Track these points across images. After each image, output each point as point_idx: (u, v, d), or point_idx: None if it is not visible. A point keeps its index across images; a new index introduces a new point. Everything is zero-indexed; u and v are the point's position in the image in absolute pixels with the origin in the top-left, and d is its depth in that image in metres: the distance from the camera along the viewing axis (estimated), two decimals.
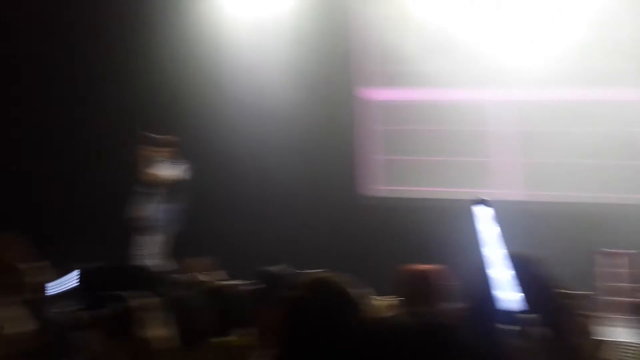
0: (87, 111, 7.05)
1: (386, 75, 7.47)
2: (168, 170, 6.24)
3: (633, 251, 5.53)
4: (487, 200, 1.40)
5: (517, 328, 1.24)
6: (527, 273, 1.31)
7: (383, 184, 7.39)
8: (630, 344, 2.26)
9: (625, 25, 6.68)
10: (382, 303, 2.65)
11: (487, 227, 1.35)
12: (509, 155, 7.11)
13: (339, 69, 7.20)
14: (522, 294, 1.26)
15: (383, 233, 6.58)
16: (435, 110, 7.20)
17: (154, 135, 6.23)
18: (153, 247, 6.16)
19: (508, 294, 1.26)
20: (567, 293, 1.42)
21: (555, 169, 6.75)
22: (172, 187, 6.22)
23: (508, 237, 1.38)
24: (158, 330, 0.88)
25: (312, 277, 1.66)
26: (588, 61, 6.71)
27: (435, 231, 5.85)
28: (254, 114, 6.97)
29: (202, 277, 3.79)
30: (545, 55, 6.82)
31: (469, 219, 1.45)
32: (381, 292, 2.61)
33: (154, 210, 6.19)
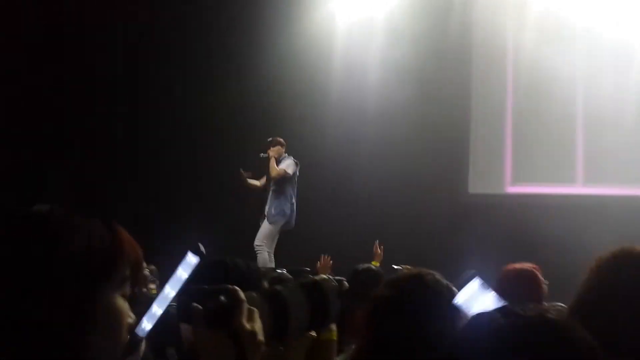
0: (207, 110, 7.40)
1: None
2: (281, 167, 6.53)
3: None
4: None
5: None
6: None
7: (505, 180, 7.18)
8: None
9: None
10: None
11: None
12: None
13: (451, 66, 7.13)
14: None
15: (491, 232, 6.42)
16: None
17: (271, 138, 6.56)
18: (265, 241, 6.43)
19: None
20: None
21: None
22: (283, 183, 6.50)
23: None
24: (257, 323, 0.92)
25: (404, 274, 1.63)
26: None
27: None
28: (370, 114, 7.04)
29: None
30: None
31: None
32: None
33: (270, 205, 6.50)
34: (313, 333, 1.34)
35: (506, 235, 6.27)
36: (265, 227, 6.49)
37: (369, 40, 7.40)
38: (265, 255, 6.33)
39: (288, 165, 6.56)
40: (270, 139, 6.63)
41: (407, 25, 7.15)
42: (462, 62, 7.32)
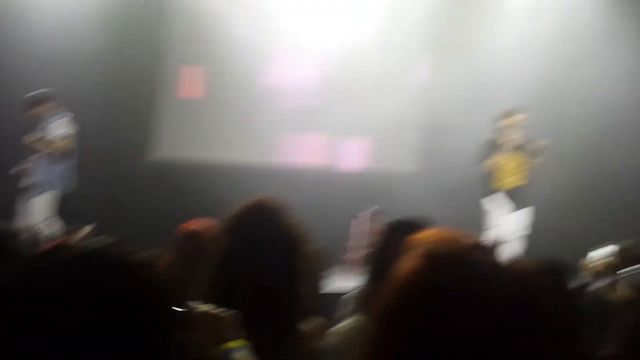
0: None
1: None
2: (55, 130, 5.76)
3: (374, 209, 6.11)
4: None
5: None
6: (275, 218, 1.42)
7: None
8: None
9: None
10: None
11: None
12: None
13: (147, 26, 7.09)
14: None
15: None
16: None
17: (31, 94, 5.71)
18: (40, 209, 5.69)
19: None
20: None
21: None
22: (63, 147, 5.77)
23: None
24: None
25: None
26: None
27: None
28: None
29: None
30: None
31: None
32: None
33: (42, 170, 5.74)
34: None
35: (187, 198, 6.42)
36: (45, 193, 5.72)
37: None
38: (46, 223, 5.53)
39: (58, 127, 5.76)
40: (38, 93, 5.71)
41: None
42: (159, 25, 7.28)
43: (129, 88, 7.08)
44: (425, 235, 0.88)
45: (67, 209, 5.91)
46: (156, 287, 0.81)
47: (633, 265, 3.04)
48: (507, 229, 5.81)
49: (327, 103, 7.75)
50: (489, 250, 0.89)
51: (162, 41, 7.49)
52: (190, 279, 1.51)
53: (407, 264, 0.85)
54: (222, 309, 1.30)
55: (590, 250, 3.74)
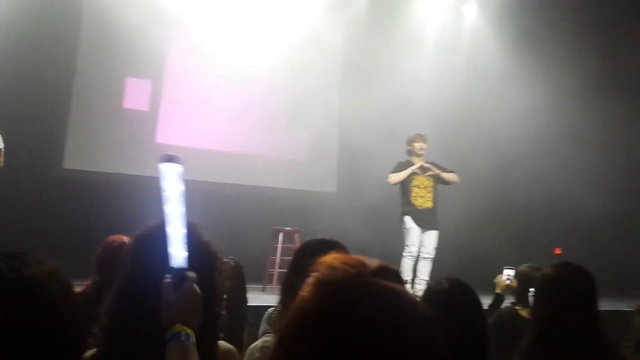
0: None
1: None
2: None
3: (291, 228, 6.44)
4: (176, 157, 1.43)
5: (174, 282, 1.33)
6: (192, 236, 1.41)
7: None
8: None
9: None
10: None
11: (172, 184, 1.39)
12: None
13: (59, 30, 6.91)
14: (187, 253, 1.37)
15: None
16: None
17: None
18: None
19: (178, 251, 1.36)
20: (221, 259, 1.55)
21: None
22: None
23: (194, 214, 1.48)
24: None
25: None
26: None
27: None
28: None
29: None
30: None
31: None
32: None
33: None
34: None
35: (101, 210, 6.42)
36: None
37: None
38: None
39: None
40: None
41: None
42: (70, 29, 7.15)
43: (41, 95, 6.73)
44: (325, 260, 0.86)
45: None
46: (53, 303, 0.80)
47: (529, 286, 3.21)
48: (416, 250, 5.98)
49: (249, 125, 7.77)
50: (388, 274, 0.86)
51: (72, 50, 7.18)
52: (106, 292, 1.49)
53: (303, 289, 0.84)
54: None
55: (501, 269, 3.93)
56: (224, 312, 2.65)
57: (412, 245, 5.99)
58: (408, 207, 6.09)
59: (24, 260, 0.78)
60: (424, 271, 6.00)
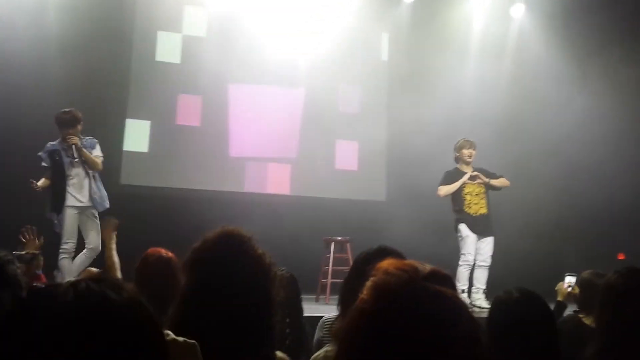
0: None
1: None
2: (96, 153, 5.54)
3: (342, 238, 6.44)
4: None
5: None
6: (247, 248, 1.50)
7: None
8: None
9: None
10: None
11: None
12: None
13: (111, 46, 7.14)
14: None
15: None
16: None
17: None
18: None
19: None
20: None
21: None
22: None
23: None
24: None
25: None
26: None
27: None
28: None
29: None
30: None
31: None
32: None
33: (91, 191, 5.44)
34: None
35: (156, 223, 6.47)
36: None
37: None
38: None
39: (98, 148, 5.57)
40: (68, 111, 5.36)
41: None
42: (121, 42, 7.36)
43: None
44: (381, 265, 0.90)
45: None
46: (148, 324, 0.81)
47: (593, 293, 3.09)
48: (472, 258, 5.86)
49: (299, 134, 7.85)
50: (440, 278, 0.89)
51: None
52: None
53: (362, 292, 0.90)
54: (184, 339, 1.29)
55: (563, 276, 3.81)
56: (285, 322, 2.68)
57: (469, 253, 5.87)
58: (462, 215, 5.98)
59: (116, 284, 0.81)
60: (482, 279, 5.87)
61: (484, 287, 5.78)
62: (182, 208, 6.86)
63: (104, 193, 5.52)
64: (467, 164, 6.06)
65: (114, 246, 3.70)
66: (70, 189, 5.38)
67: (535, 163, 7.74)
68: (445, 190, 6.02)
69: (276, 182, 7.81)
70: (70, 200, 5.37)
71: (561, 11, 7.99)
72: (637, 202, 7.27)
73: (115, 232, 3.76)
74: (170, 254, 2.96)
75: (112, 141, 6.97)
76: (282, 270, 3.34)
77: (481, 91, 7.99)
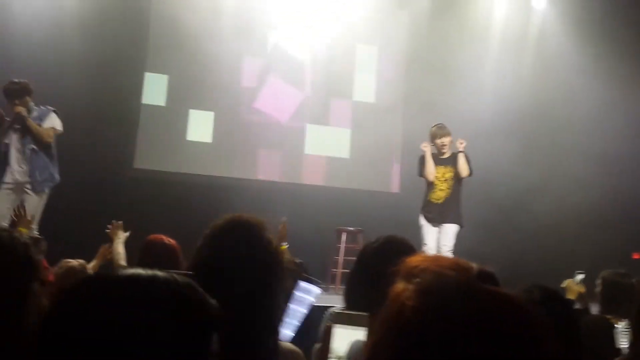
0: None
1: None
2: (49, 125, 5.28)
3: (354, 229, 6.36)
4: (316, 281, 1.86)
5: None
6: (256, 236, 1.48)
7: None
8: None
9: None
10: None
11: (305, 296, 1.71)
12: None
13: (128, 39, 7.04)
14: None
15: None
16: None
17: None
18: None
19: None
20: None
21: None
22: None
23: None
24: None
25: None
26: None
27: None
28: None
29: None
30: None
31: None
32: None
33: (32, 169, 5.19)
34: None
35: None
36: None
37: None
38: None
39: (54, 119, 5.27)
40: (18, 82, 5.12)
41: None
42: (138, 38, 7.25)
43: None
44: (414, 262, 0.78)
45: None
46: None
47: (617, 293, 2.98)
48: (430, 248, 5.53)
49: (310, 123, 7.76)
50: (487, 278, 0.79)
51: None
52: None
53: (399, 299, 0.75)
54: None
55: (575, 273, 3.69)
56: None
57: (425, 244, 5.61)
58: (424, 202, 5.79)
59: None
60: None
61: None
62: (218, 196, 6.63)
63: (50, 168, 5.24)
64: (442, 154, 5.73)
65: (122, 240, 3.76)
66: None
67: (556, 157, 7.56)
68: (426, 172, 5.72)
69: (288, 170, 7.71)
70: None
71: (583, 1, 7.80)
72: None
73: (124, 231, 3.84)
74: (172, 241, 2.93)
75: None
76: (293, 259, 3.27)
77: (502, 81, 7.82)
